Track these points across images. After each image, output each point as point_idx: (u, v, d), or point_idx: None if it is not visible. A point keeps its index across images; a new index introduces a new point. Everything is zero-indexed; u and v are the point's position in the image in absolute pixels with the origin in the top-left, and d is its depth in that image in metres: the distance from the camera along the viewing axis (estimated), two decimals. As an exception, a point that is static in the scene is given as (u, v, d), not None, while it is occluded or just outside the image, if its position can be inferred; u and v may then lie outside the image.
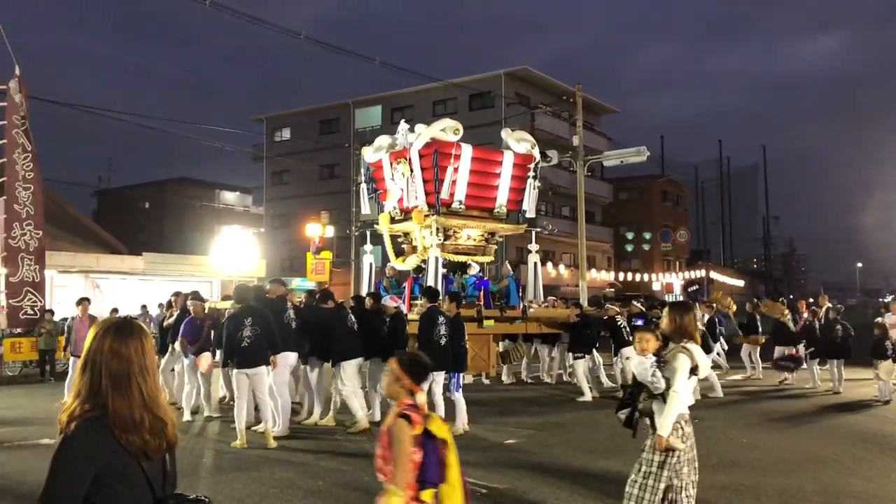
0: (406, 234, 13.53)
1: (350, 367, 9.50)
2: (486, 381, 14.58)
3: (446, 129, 12.36)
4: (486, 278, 13.09)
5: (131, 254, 26.36)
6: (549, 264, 39.55)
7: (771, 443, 8.80)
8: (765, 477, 7.09)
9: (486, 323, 11.74)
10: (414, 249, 13.12)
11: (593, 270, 38.86)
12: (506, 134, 13.57)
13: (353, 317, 9.85)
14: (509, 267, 13.99)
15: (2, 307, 16.17)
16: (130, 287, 24.43)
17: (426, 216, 12.41)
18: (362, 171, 14.26)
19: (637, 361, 4.70)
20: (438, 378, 9.01)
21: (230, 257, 24.55)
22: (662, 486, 4.43)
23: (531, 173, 13.24)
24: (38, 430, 9.40)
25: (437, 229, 12.57)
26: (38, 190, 17.11)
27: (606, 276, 41.98)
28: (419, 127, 12.73)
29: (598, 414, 10.89)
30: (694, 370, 4.53)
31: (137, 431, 2.17)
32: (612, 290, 18.43)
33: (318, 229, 26.06)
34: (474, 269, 12.94)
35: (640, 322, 11.84)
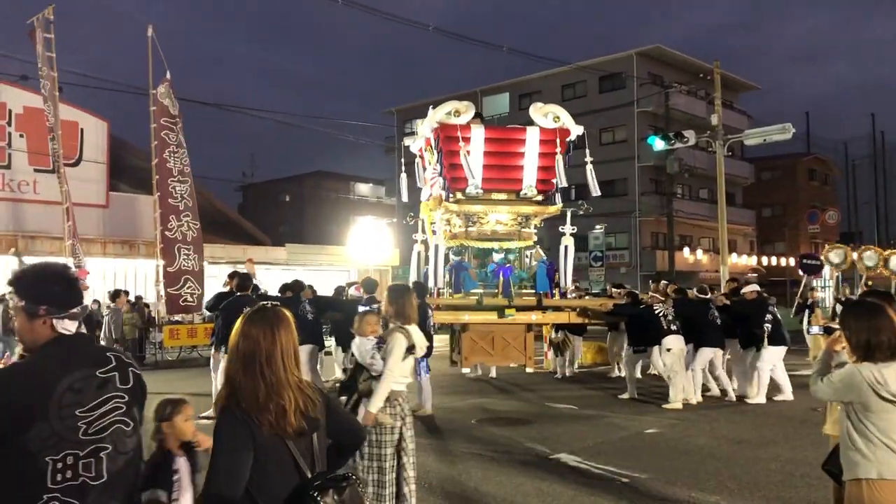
0: (446, 222, 13.08)
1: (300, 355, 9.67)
2: (530, 370, 12.77)
3: (451, 111, 11.89)
4: (509, 265, 12.24)
5: (274, 245, 27.63)
6: (687, 249, 38.21)
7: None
8: None
9: (507, 312, 11.29)
10: (454, 236, 12.55)
11: (734, 255, 37.21)
12: (533, 109, 12.53)
13: (307, 305, 10.34)
14: (541, 252, 12.79)
15: (161, 296, 17.38)
16: (274, 277, 25.63)
17: (441, 202, 12.03)
18: (402, 160, 14.12)
19: (358, 343, 4.87)
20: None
21: (366, 247, 25.28)
22: (388, 464, 4.59)
23: (558, 148, 12.00)
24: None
25: (458, 215, 12.09)
26: (192, 183, 18.27)
27: (748, 260, 40.13)
28: (430, 112, 12.28)
29: (744, 406, 10.48)
30: (410, 349, 4.71)
31: (265, 412, 2.26)
32: (755, 275, 17.55)
33: (449, 218, 26.28)
34: (497, 257, 12.39)
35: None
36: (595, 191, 12.51)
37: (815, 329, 11.02)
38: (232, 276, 10.11)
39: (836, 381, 3.22)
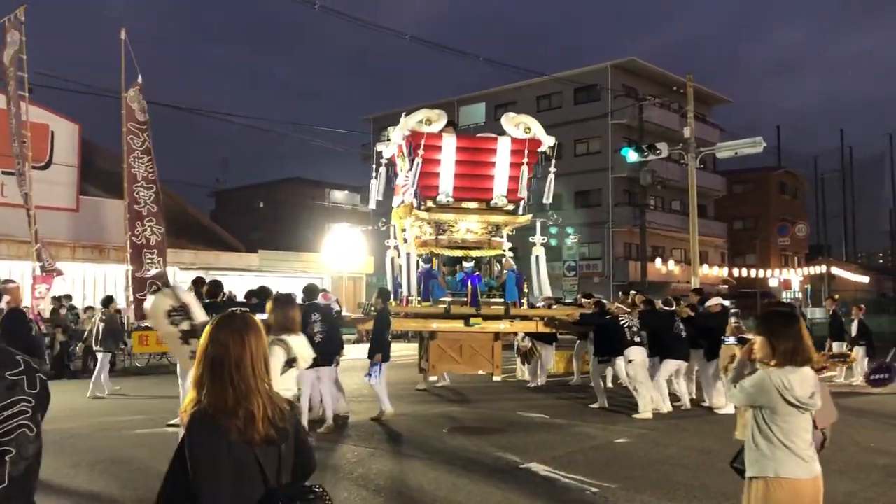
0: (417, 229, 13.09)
1: None
2: (497, 379, 13.02)
3: (423, 119, 11.91)
4: (477, 273, 12.38)
5: (248, 251, 27.38)
6: (659, 260, 38.52)
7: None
8: (898, 484, 6.64)
9: (473, 321, 11.34)
10: (424, 244, 12.58)
11: (706, 266, 37.56)
12: (505, 119, 12.61)
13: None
14: (511, 261, 12.86)
15: (130, 302, 17.14)
16: (247, 283, 25.43)
17: (412, 210, 12.02)
18: (374, 166, 13.93)
19: None
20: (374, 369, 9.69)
21: (340, 254, 25.19)
22: None
23: (525, 159, 12.11)
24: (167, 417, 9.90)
25: (428, 223, 12.13)
26: (157, 189, 18.06)
27: (720, 272, 40.53)
28: (402, 119, 12.21)
29: (713, 416, 10.56)
30: (291, 362, 4.75)
31: (233, 418, 2.21)
32: (726, 287, 17.67)
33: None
34: (466, 265, 12.41)
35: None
36: (547, 199, 12.59)
37: (731, 339, 11.22)
38: (196, 281, 9.99)
39: (748, 387, 3.42)
